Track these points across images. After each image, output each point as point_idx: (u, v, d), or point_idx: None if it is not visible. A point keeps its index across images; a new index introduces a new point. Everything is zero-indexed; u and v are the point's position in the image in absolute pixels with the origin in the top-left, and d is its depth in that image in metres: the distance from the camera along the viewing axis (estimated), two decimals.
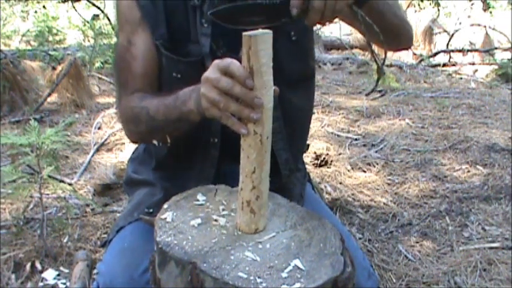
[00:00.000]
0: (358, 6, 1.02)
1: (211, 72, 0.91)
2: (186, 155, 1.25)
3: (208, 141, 1.23)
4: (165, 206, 1.03)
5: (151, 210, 1.25)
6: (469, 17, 9.38)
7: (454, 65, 6.74)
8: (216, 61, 0.92)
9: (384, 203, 2.59)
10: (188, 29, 1.19)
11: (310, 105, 1.40)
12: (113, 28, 7.23)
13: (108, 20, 7.33)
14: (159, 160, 1.32)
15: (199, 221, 0.97)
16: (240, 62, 0.88)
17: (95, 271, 2.00)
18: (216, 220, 0.98)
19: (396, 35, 1.20)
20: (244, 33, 0.84)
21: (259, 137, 0.89)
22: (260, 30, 0.85)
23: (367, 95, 1.29)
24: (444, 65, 6.72)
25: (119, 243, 1.23)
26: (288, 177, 1.31)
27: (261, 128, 0.89)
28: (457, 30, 7.74)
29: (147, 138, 1.23)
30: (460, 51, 7.12)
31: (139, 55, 1.20)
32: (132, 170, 1.43)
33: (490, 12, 10.18)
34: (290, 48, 1.20)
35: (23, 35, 7.41)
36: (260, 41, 0.84)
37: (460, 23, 8.71)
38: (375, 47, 1.21)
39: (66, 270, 2.00)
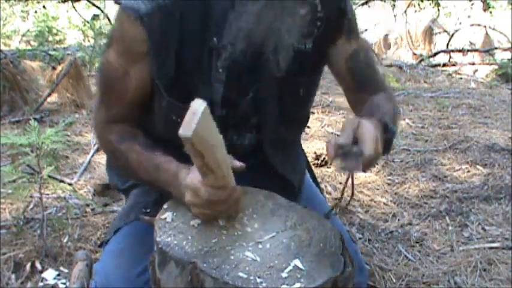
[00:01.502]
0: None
1: (195, 203, 0.95)
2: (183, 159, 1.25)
3: None
4: (165, 206, 1.03)
5: (148, 210, 1.26)
6: (469, 17, 9.38)
7: (454, 65, 6.73)
8: (190, 186, 0.95)
9: (384, 203, 2.59)
10: (200, 69, 1.12)
11: (300, 134, 1.45)
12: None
13: (108, 20, 7.32)
14: None
15: (199, 221, 0.97)
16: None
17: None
18: (216, 220, 0.99)
19: None
20: (180, 134, 0.77)
21: None
22: (192, 112, 0.78)
23: (325, 216, 1.15)
24: (444, 65, 6.71)
25: (115, 245, 1.23)
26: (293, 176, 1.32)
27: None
28: (457, 30, 7.74)
29: (123, 174, 1.28)
30: (460, 51, 7.11)
31: (132, 87, 1.14)
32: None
33: (490, 12, 10.18)
34: (295, 100, 1.23)
35: (23, 35, 7.41)
36: (201, 134, 0.78)
37: (460, 23, 8.70)
38: None
39: (66, 270, 2.00)
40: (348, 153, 0.90)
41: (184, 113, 1.04)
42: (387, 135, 1.03)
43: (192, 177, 0.95)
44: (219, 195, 0.92)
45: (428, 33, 8.42)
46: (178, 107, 1.08)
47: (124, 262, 1.15)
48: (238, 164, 0.98)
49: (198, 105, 0.78)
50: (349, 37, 1.21)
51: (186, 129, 0.76)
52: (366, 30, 7.81)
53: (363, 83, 1.26)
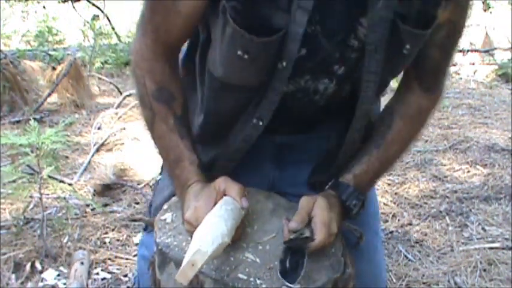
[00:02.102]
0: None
1: (187, 222, 0.90)
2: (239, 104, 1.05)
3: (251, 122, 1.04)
4: (165, 206, 1.03)
5: None
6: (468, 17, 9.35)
7: (454, 65, 6.72)
8: (187, 218, 0.90)
9: (384, 203, 2.59)
10: None
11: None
12: (113, 28, 7.25)
13: (108, 20, 7.33)
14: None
15: None
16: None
17: (95, 271, 2.01)
18: None
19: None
20: (176, 278, 0.77)
21: None
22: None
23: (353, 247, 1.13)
24: None
25: None
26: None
27: None
28: None
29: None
30: (460, 51, 7.10)
31: (183, 11, 0.94)
32: None
33: (490, 12, 10.18)
34: (394, 58, 0.97)
35: (23, 35, 7.42)
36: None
37: None
38: None
39: (66, 270, 2.00)
40: (299, 237, 0.90)
41: (251, 47, 0.89)
42: (348, 209, 1.01)
43: (195, 208, 0.90)
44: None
45: None
46: (244, 39, 0.89)
47: None
48: (245, 204, 0.91)
49: (200, 257, 0.76)
50: (451, 2, 0.93)
51: (182, 278, 0.76)
52: None
53: (424, 66, 1.03)
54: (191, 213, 0.90)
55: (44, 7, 9.40)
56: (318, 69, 0.98)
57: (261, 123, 1.00)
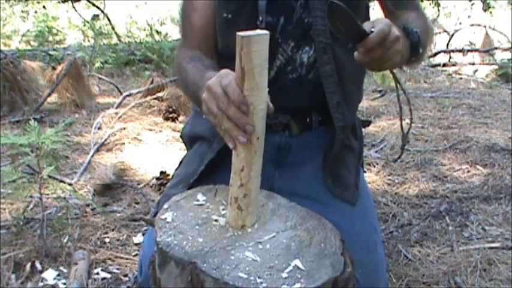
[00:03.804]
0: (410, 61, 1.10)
1: (214, 83, 0.91)
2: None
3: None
4: (165, 206, 1.03)
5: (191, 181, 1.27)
6: (469, 17, 9.37)
7: (454, 65, 6.72)
8: (222, 72, 0.93)
9: (384, 203, 2.59)
10: None
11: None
12: (113, 28, 7.24)
13: (108, 20, 7.33)
14: None
15: (199, 221, 0.98)
16: None
17: (95, 271, 2.01)
18: (216, 220, 0.99)
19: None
20: (237, 33, 0.84)
21: (249, 137, 0.89)
22: (256, 31, 0.85)
23: (394, 161, 1.26)
24: (444, 65, 6.70)
25: None
26: (342, 123, 1.25)
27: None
28: (457, 30, 7.73)
29: (187, 97, 1.36)
30: (460, 51, 7.10)
31: (199, 7, 1.28)
32: (192, 122, 1.45)
33: (490, 12, 10.17)
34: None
35: (23, 35, 7.41)
36: (253, 42, 0.83)
37: (460, 23, 8.69)
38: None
39: (66, 270, 2.00)
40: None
41: (232, 7, 1.22)
42: (410, 38, 1.06)
43: (228, 70, 0.94)
44: (236, 93, 0.87)
45: None
46: (225, 2, 1.22)
47: None
48: (270, 105, 0.93)
49: (262, 31, 0.85)
50: None
51: (243, 33, 0.83)
52: None
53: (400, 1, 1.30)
54: (220, 73, 0.94)
55: (44, 7, 9.40)
56: (297, 33, 1.21)
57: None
